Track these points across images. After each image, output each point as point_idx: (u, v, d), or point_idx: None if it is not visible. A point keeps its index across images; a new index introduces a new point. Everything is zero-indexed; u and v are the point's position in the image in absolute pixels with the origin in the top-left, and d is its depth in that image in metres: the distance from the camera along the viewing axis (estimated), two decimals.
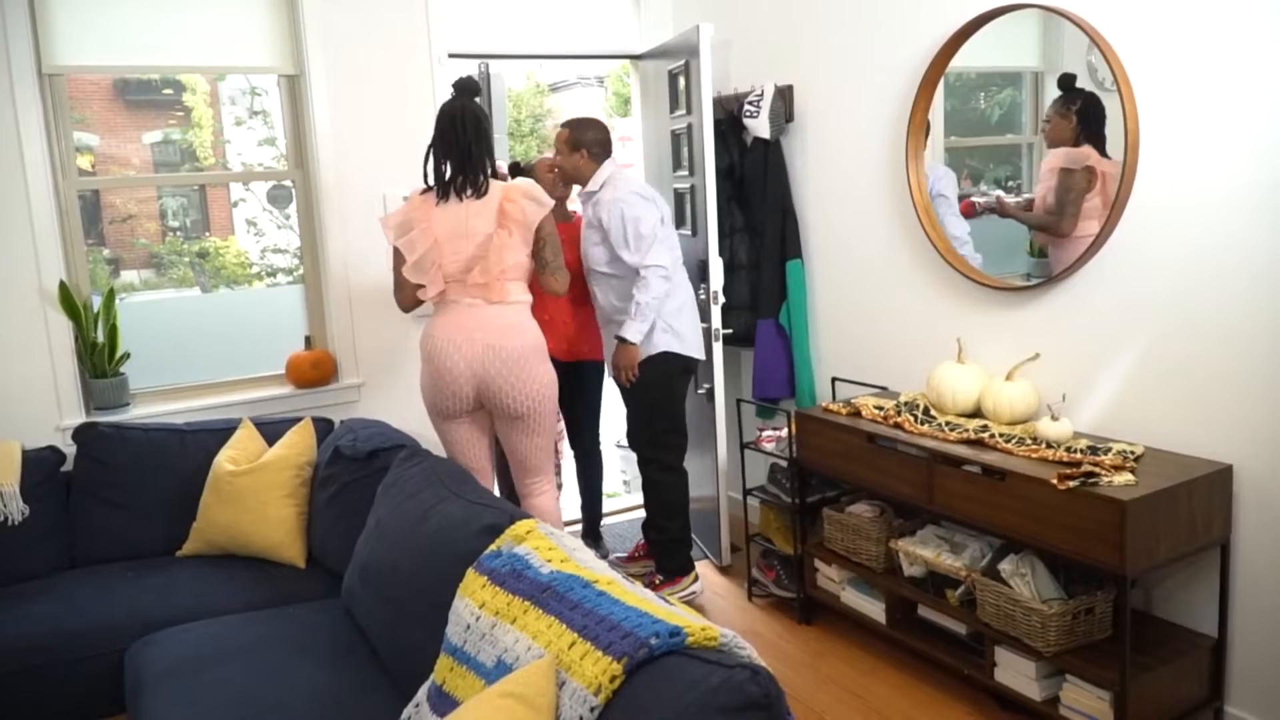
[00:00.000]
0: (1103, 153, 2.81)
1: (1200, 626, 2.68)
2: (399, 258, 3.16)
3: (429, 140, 3.14)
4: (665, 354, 3.61)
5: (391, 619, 2.40)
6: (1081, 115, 2.91)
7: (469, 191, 3.07)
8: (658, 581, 3.81)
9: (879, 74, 3.48)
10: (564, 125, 3.78)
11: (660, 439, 3.75)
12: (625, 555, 4.22)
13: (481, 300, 3.10)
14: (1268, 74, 2.38)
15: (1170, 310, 2.66)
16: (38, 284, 3.51)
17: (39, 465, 3.28)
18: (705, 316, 3.86)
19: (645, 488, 3.86)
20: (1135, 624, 2.63)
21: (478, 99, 3.16)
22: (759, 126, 3.90)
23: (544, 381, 3.16)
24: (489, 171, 3.11)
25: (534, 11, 4.41)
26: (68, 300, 3.53)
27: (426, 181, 3.15)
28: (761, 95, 3.88)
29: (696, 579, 3.86)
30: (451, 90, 3.16)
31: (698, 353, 3.74)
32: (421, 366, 3.21)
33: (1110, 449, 2.66)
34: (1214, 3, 2.46)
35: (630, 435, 3.89)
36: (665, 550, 3.84)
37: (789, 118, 3.92)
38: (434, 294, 3.14)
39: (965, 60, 3.18)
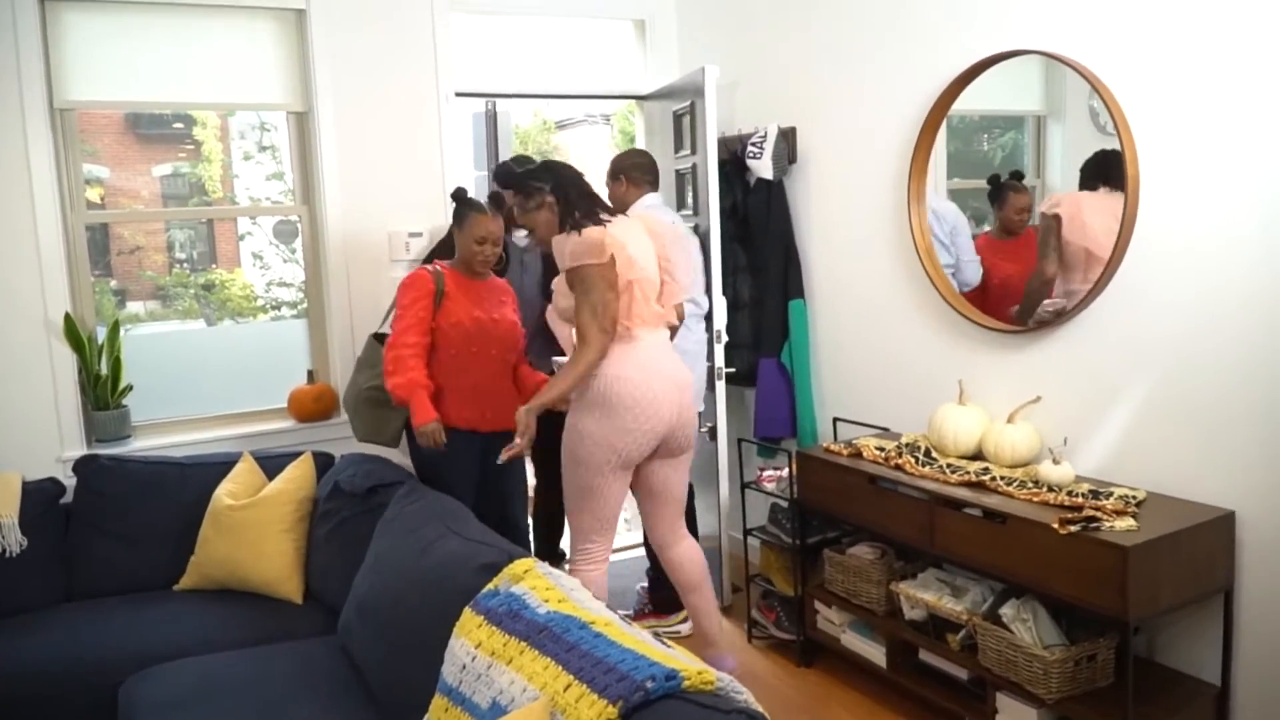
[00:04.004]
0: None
1: (1203, 674, 2.65)
2: (606, 276, 2.91)
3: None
4: None
5: (387, 657, 2.39)
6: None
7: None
8: (646, 611, 3.84)
9: (882, 116, 3.51)
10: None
11: None
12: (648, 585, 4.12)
13: (660, 325, 3.05)
14: (1267, 118, 2.40)
15: (1172, 354, 2.66)
16: (43, 316, 3.53)
17: (39, 496, 3.27)
18: (709, 355, 3.86)
19: None
20: (1138, 671, 2.61)
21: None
22: (762, 167, 3.92)
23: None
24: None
25: (541, 51, 4.46)
26: (72, 332, 3.54)
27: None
28: (765, 136, 3.91)
29: (686, 619, 3.85)
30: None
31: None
32: (603, 414, 2.92)
33: (1112, 493, 2.65)
34: (1214, 50, 2.49)
35: None
36: (653, 583, 3.90)
37: (792, 159, 3.95)
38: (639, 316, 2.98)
39: (968, 103, 3.21)
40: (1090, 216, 2.88)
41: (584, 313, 2.88)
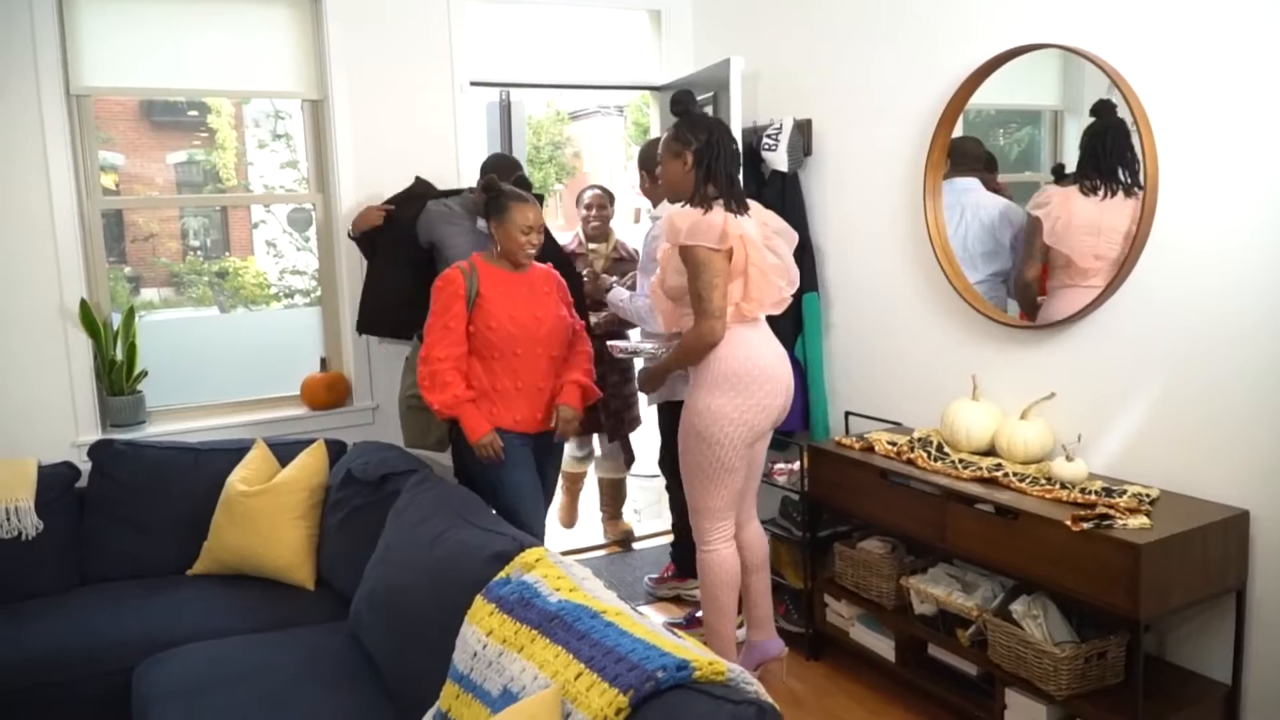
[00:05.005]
0: None
1: (1214, 674, 2.65)
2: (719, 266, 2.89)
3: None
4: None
5: (398, 644, 2.40)
6: None
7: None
8: (668, 576, 3.84)
9: (898, 109, 3.50)
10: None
11: None
12: (656, 577, 4.24)
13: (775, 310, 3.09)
14: None
15: (1188, 352, 2.64)
16: (59, 302, 3.55)
17: (54, 481, 3.30)
18: None
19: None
20: (1148, 670, 2.60)
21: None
22: (777, 159, 3.91)
23: None
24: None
25: (555, 41, 4.45)
26: (88, 318, 3.56)
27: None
28: (780, 129, 3.90)
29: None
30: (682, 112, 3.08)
31: None
32: (736, 392, 2.94)
33: (1125, 491, 2.64)
34: (1234, 45, 2.47)
35: (663, 461, 3.96)
36: (678, 546, 3.94)
37: (807, 151, 3.93)
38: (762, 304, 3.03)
39: (985, 97, 3.19)
40: (1079, 221, 2.87)
41: (692, 294, 2.91)
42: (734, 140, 3.04)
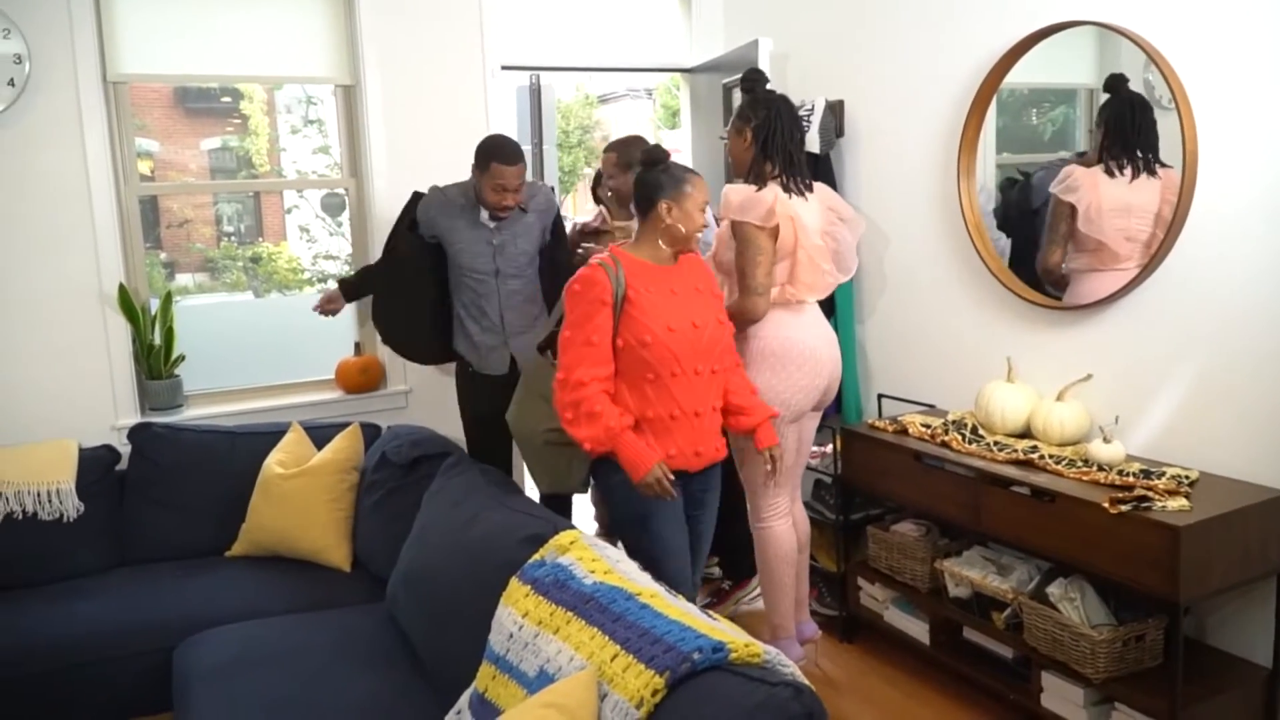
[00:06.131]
0: None
1: (1254, 657, 2.62)
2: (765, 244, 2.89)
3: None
4: None
5: (434, 625, 2.42)
6: None
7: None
8: (726, 588, 3.83)
9: (931, 89, 3.46)
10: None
11: None
12: None
13: (824, 294, 3.10)
14: None
15: (1227, 333, 2.60)
16: (98, 287, 3.60)
17: (95, 464, 3.35)
18: None
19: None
20: (1187, 653, 2.57)
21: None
22: (809, 141, 3.87)
23: None
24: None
25: (585, 24, 4.44)
26: (126, 303, 3.61)
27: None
28: (812, 110, 3.87)
29: (718, 564, 3.95)
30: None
31: None
32: (773, 372, 2.96)
33: (1164, 473, 2.61)
34: (1273, 20, 2.42)
35: None
36: (734, 550, 3.93)
37: (839, 132, 3.90)
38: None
39: (1019, 76, 3.15)
40: (1109, 204, 2.83)
41: (738, 269, 2.94)
42: (796, 118, 3.04)
